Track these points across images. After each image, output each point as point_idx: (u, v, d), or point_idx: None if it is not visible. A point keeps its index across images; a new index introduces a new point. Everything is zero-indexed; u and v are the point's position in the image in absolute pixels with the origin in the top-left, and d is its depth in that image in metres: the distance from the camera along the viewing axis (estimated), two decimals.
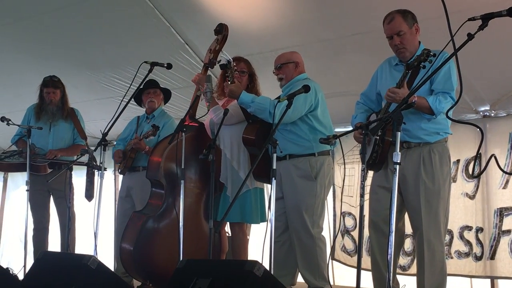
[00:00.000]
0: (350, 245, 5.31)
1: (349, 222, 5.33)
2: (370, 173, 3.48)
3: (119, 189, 4.92)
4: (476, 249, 4.58)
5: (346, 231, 5.34)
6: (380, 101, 3.45)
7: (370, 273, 3.43)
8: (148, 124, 4.65)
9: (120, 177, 5.07)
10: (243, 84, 3.99)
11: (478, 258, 4.56)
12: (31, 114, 5.14)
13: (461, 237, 4.66)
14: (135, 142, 4.48)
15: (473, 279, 4.72)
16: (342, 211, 5.29)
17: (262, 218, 4.05)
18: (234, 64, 3.77)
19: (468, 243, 4.63)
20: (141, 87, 4.36)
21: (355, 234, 5.27)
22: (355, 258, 5.23)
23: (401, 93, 3.04)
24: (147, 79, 4.17)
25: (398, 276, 3.48)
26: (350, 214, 5.32)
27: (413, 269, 4.72)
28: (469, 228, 4.64)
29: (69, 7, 5.00)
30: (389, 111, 3.18)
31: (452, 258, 4.61)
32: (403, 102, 2.69)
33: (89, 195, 4.61)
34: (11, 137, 5.19)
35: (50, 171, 4.94)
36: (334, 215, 5.44)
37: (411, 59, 3.13)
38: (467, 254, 4.63)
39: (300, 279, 3.91)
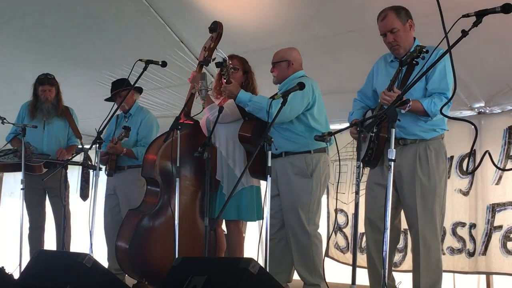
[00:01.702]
0: (342, 242, 5.32)
1: (341, 219, 5.34)
2: (365, 170, 3.49)
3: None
4: (469, 245, 4.60)
5: (339, 228, 5.35)
6: (376, 98, 3.44)
7: (362, 270, 3.43)
8: (126, 123, 4.67)
9: None
10: (237, 81, 3.98)
11: (471, 254, 4.58)
12: (25, 112, 5.10)
13: (454, 233, 4.68)
14: (110, 146, 4.47)
15: (457, 274, 4.74)
16: (335, 208, 5.30)
17: (258, 216, 4.06)
18: (230, 62, 3.76)
19: (461, 239, 4.65)
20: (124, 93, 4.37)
21: (347, 230, 5.28)
22: (347, 255, 5.25)
23: (396, 97, 3.02)
24: (142, 76, 4.16)
25: None
26: (342, 211, 5.34)
27: (405, 265, 4.76)
28: (462, 224, 4.66)
29: (64, 5, 4.97)
30: (384, 107, 3.19)
31: (444, 254, 4.62)
32: (398, 100, 2.69)
33: (84, 194, 4.60)
34: (5, 135, 5.16)
35: (45, 171, 4.90)
36: (328, 212, 5.44)
37: (405, 56, 3.13)
38: (459, 251, 4.64)
39: (296, 276, 3.92)
